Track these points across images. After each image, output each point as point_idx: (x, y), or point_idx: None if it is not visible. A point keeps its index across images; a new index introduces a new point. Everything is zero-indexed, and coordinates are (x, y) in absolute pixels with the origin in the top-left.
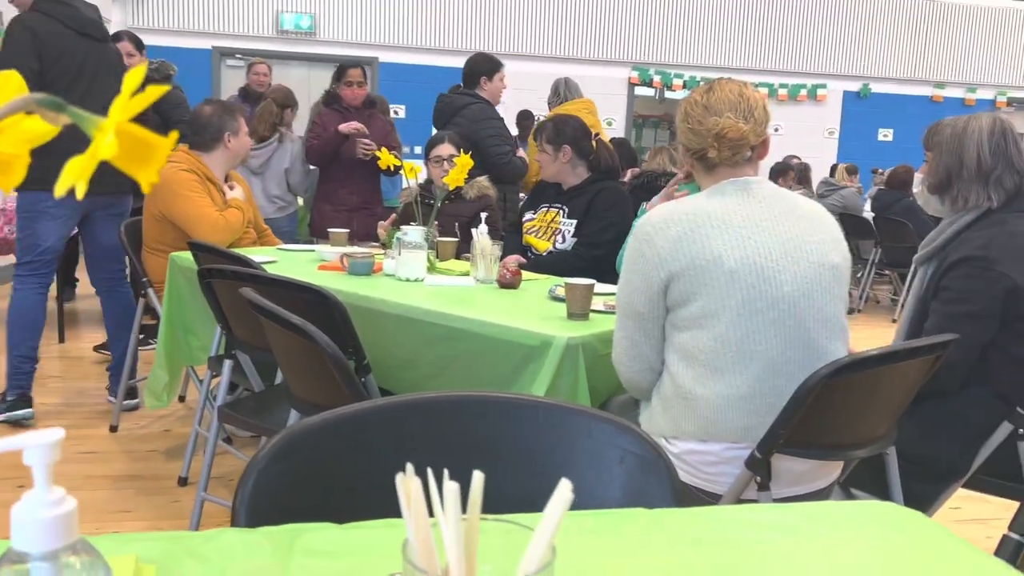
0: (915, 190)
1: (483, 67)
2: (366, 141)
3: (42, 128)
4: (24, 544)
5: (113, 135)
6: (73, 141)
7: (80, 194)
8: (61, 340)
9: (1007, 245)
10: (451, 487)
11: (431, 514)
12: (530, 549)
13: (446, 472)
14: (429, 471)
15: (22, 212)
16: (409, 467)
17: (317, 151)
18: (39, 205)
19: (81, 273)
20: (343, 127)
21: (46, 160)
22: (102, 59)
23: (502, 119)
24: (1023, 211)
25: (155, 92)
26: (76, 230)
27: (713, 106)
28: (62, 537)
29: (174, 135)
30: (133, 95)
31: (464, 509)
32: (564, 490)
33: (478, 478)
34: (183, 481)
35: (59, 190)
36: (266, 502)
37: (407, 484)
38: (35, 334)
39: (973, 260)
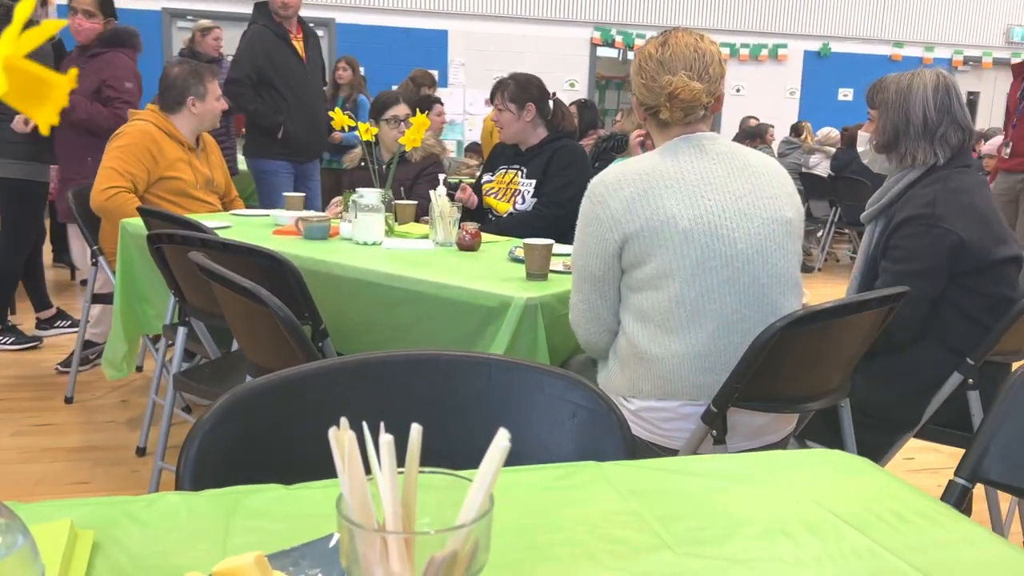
0: (860, 149)
1: None
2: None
3: None
4: None
5: (0, 71)
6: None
7: None
8: (12, 312)
9: (950, 201)
10: (385, 439)
11: (369, 471)
12: (469, 498)
13: (382, 425)
14: (364, 426)
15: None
16: (343, 420)
17: None
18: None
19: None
20: None
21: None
22: None
23: None
24: (966, 167)
25: (52, 26)
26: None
27: (667, 62)
28: None
29: (73, 72)
30: (24, 29)
31: (403, 463)
32: (501, 439)
33: (416, 430)
34: (141, 451)
35: None
36: (212, 465)
37: (340, 438)
38: None
39: (919, 218)
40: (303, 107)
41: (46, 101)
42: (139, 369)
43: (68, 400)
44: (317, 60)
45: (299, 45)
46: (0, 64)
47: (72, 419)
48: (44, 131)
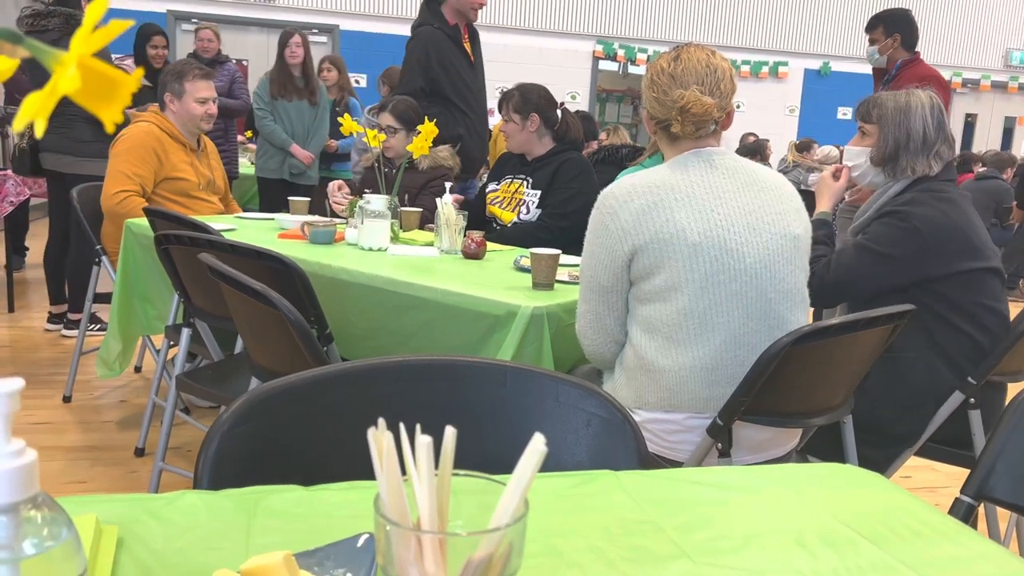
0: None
1: None
2: None
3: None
4: None
5: (75, 69)
6: None
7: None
8: (11, 310)
9: (928, 203)
10: (423, 440)
11: (403, 472)
12: (503, 501)
13: (418, 427)
14: (402, 427)
15: None
16: (381, 422)
17: None
18: None
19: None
20: None
21: None
22: None
23: None
24: (951, 180)
25: (119, 26)
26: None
27: (680, 77)
28: (22, 489)
29: (139, 72)
30: (95, 29)
31: (436, 465)
32: (537, 443)
33: (450, 433)
34: (140, 452)
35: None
36: (229, 466)
37: (379, 439)
38: None
39: (896, 213)
40: (476, 115)
41: (114, 100)
42: (137, 370)
43: (66, 399)
44: (480, 63)
45: (468, 47)
46: (74, 62)
47: (70, 418)
48: (110, 129)
